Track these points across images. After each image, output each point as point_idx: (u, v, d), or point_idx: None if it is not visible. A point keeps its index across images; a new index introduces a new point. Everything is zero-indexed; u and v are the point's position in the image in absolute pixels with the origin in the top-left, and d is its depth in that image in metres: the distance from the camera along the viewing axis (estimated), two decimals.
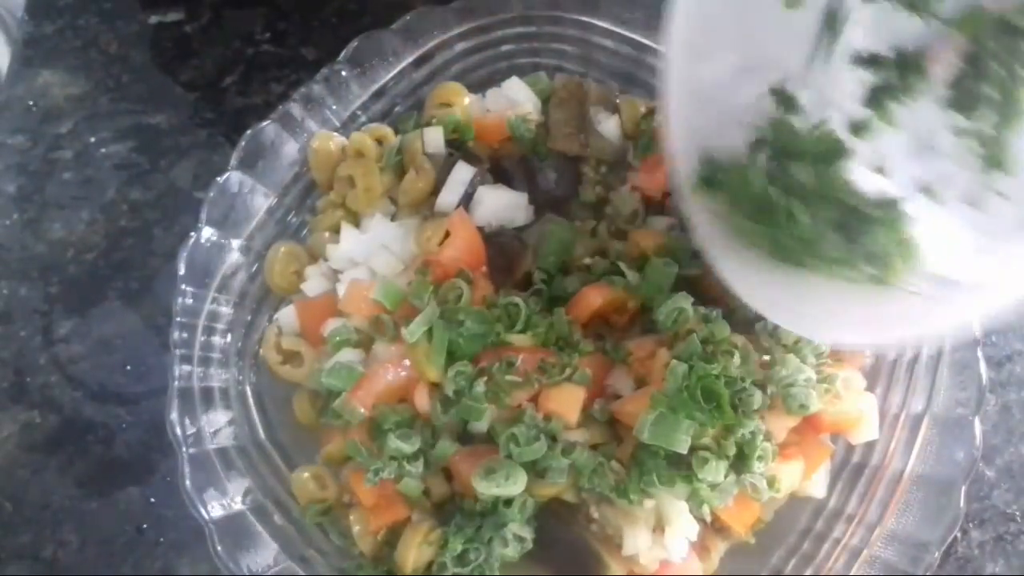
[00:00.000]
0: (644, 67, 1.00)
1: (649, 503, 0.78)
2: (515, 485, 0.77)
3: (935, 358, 0.87)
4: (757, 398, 0.78)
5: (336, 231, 0.93)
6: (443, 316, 0.82)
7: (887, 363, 0.90)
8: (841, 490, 0.87)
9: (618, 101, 0.98)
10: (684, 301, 0.83)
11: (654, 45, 0.98)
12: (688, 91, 0.69)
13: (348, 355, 0.86)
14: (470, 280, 0.85)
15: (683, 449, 0.75)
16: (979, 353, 0.85)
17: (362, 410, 0.82)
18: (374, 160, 0.93)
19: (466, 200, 0.90)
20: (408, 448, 0.80)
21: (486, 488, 0.77)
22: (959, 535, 0.92)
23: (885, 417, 0.87)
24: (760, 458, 0.78)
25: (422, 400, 0.82)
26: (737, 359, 0.80)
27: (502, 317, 0.83)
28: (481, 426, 0.81)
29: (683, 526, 0.79)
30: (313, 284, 0.92)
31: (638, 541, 0.78)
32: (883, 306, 0.66)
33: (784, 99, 0.67)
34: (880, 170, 0.64)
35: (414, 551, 0.80)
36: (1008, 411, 0.97)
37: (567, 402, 0.79)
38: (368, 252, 0.91)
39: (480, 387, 0.79)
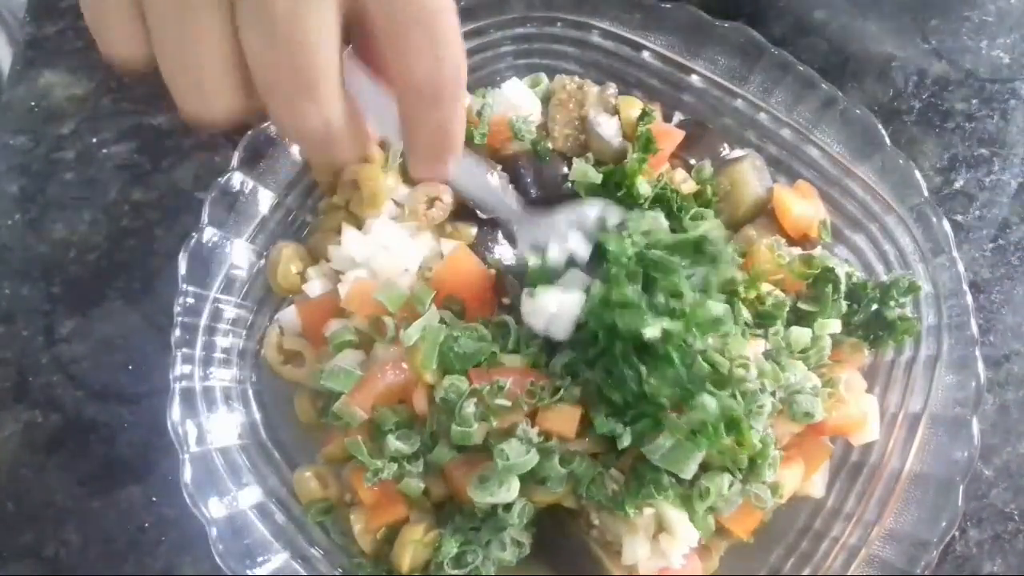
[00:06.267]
0: (643, 68, 1.00)
1: (649, 511, 0.78)
2: (509, 493, 0.77)
3: (933, 358, 0.87)
4: (768, 407, 0.78)
5: (338, 232, 0.93)
6: (442, 322, 0.82)
7: (885, 363, 0.90)
8: (840, 489, 0.88)
9: (617, 102, 0.98)
10: None
11: (653, 46, 0.98)
12: None
13: (349, 356, 0.86)
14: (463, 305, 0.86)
15: (689, 476, 0.76)
16: (977, 353, 0.85)
17: (361, 413, 0.81)
18: (379, 165, 0.93)
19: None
20: (407, 449, 0.80)
21: (480, 496, 0.77)
22: (957, 534, 0.93)
23: (883, 416, 0.88)
24: (771, 466, 0.79)
25: (420, 402, 0.82)
26: (754, 371, 0.79)
27: (495, 337, 0.83)
28: (476, 437, 0.81)
29: (684, 535, 0.79)
30: (315, 285, 0.92)
31: (637, 550, 0.78)
32: None
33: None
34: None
35: (409, 550, 0.80)
36: (1006, 410, 0.98)
37: (565, 421, 0.79)
38: (370, 253, 0.91)
39: (470, 408, 0.79)
